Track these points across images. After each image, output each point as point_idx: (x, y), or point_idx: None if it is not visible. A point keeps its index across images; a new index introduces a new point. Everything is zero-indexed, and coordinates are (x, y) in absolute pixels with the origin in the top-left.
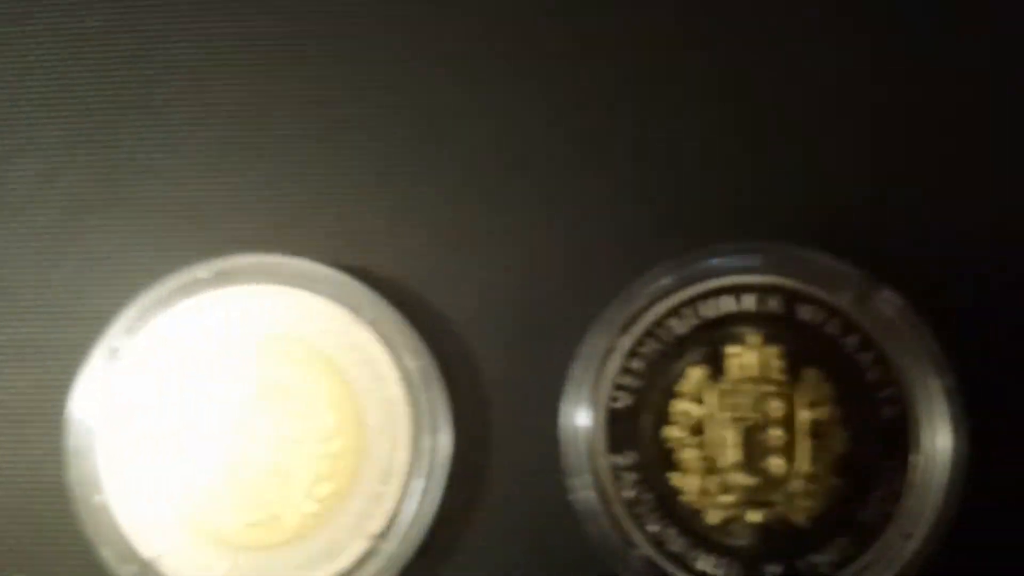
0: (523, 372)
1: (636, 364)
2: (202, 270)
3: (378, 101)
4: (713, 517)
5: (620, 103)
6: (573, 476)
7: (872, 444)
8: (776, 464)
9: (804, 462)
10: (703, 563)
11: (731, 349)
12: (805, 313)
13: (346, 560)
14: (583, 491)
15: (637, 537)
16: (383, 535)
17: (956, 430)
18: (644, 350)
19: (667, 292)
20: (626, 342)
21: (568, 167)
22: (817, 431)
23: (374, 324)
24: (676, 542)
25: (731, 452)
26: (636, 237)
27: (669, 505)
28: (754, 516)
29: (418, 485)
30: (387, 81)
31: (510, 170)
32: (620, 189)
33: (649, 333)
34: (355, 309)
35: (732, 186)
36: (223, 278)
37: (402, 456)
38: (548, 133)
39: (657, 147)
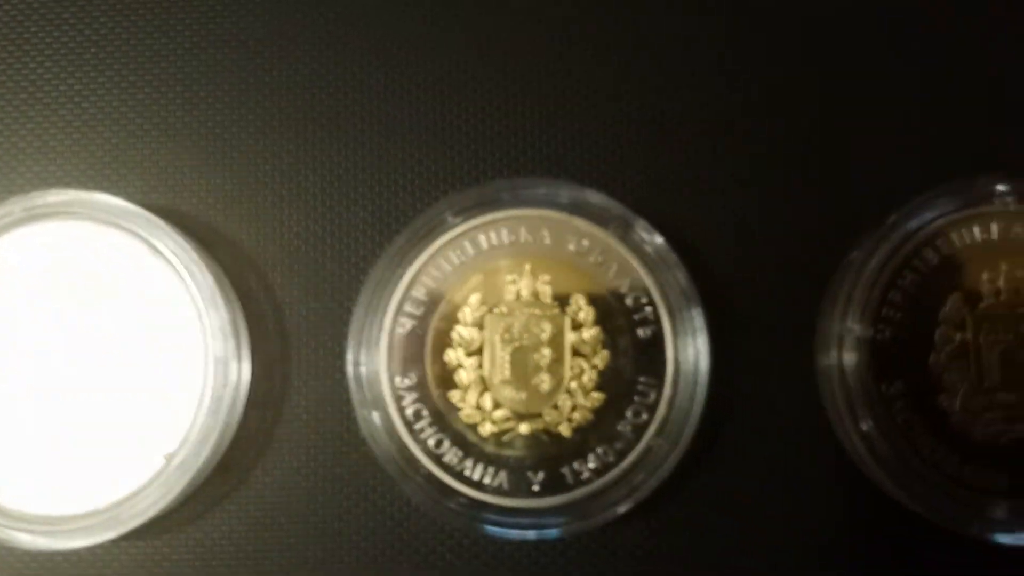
0: (317, 308)
1: (417, 294)
2: (11, 205)
3: (188, 41)
4: (486, 430)
5: None
6: (361, 400)
7: (630, 361)
8: (544, 381)
9: (568, 379)
10: (476, 472)
11: (507, 277)
12: (571, 244)
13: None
14: (369, 411)
15: (417, 452)
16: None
17: (703, 347)
18: (432, 274)
19: (451, 225)
20: (411, 271)
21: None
22: (581, 350)
23: (174, 260)
24: (451, 453)
25: (503, 370)
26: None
27: (447, 420)
28: (524, 428)
29: (214, 407)
30: (196, 20)
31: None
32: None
33: (430, 263)
34: (156, 244)
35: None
36: (31, 214)
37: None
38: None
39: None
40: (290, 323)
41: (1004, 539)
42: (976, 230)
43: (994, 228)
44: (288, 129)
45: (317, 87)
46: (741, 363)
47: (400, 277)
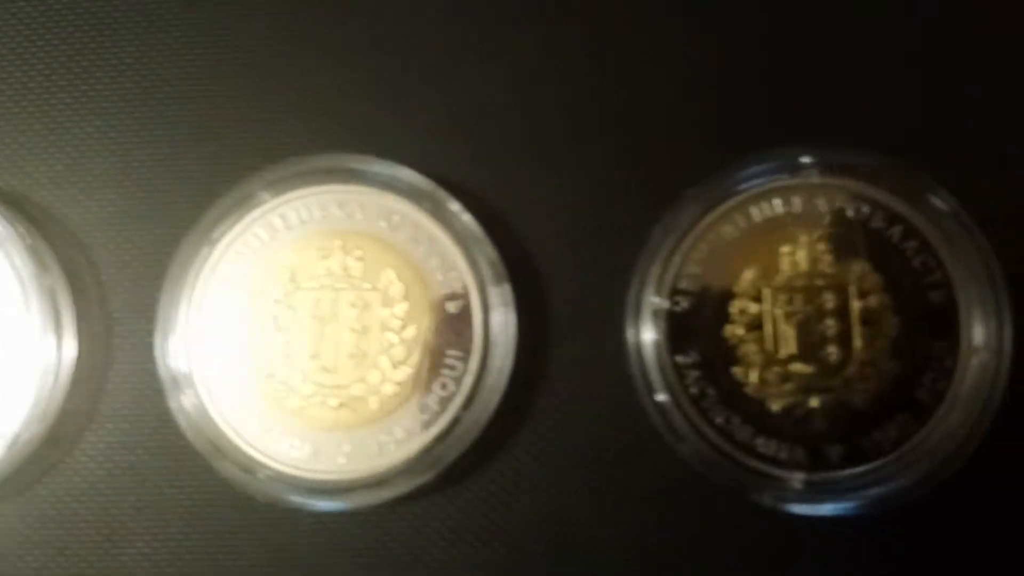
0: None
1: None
2: None
3: (31, 19)
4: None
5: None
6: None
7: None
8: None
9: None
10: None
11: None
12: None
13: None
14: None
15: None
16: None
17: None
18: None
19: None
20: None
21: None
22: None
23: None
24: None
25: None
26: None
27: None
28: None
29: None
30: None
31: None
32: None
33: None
34: None
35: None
36: None
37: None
38: None
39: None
40: (112, 301)
41: (798, 509)
42: (777, 202)
43: (795, 201)
44: (113, 106)
45: (140, 64)
46: (551, 337)
47: (208, 255)
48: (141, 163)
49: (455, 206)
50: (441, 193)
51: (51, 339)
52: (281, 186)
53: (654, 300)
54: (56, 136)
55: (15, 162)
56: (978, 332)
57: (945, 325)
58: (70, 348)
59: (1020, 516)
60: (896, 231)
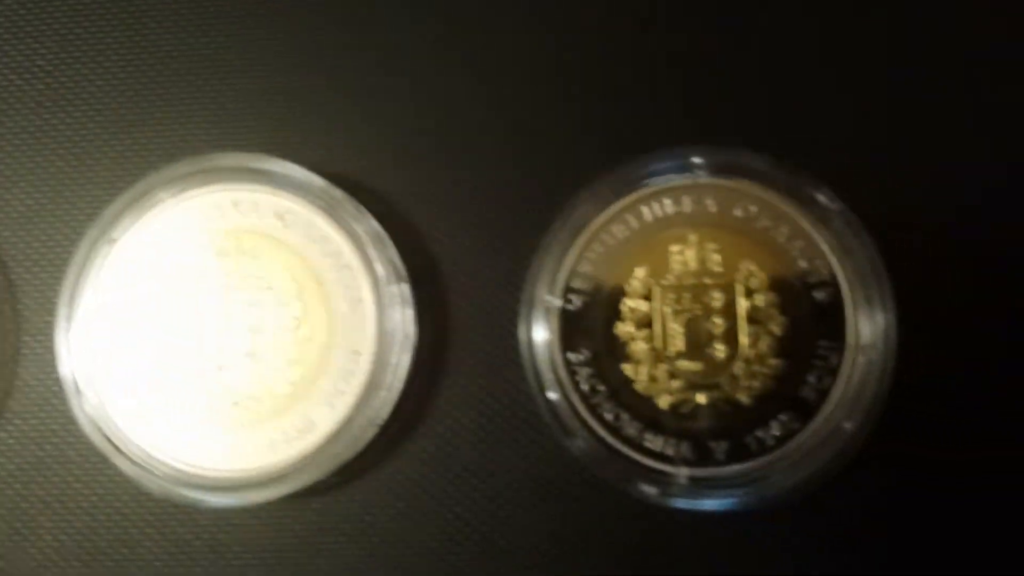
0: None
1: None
2: None
3: None
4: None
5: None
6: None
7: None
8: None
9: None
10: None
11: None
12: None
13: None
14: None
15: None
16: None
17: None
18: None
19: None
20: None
21: None
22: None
23: None
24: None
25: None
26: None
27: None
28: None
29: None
30: None
31: None
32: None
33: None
34: None
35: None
36: None
37: None
38: None
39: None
40: (21, 298)
41: (683, 504)
42: (668, 202)
43: (686, 201)
44: (24, 107)
45: (51, 67)
46: (448, 335)
47: (107, 253)
48: (50, 162)
49: (351, 205)
50: (336, 192)
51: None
52: (179, 185)
53: (547, 298)
54: None
55: None
56: (864, 330)
57: (831, 324)
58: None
59: (902, 513)
60: (783, 231)
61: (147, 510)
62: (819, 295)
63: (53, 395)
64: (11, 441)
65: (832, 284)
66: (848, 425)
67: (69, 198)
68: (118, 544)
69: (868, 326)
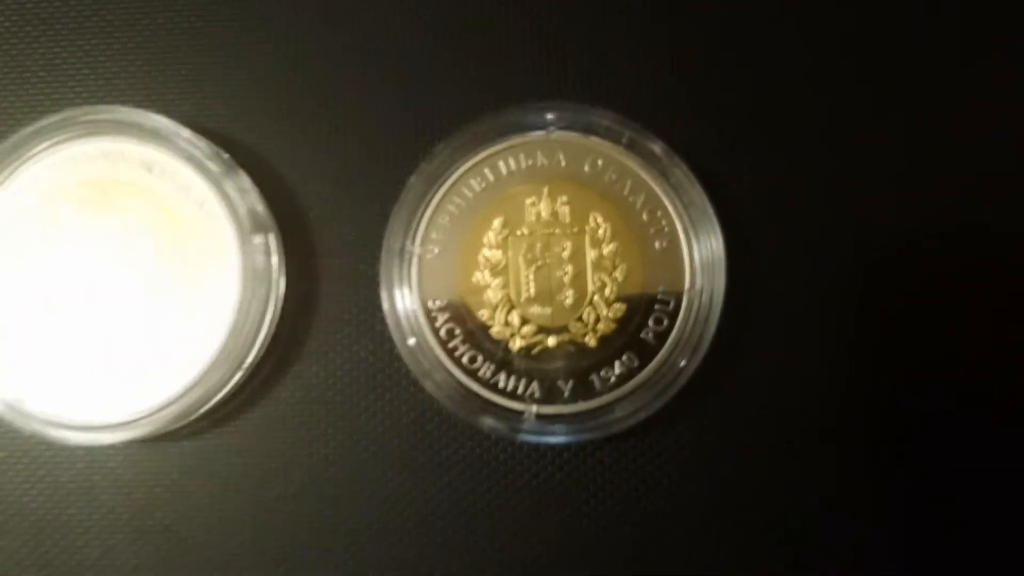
0: None
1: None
2: None
3: None
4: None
5: None
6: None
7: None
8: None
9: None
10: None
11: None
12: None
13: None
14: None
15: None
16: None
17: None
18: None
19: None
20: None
21: None
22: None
23: None
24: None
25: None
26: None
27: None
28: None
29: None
30: None
31: None
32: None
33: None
34: None
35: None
36: None
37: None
38: None
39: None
40: None
41: (530, 438)
42: (523, 157)
43: (539, 156)
44: None
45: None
46: (317, 284)
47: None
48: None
49: (217, 157)
50: (202, 143)
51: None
52: (50, 137)
53: (408, 247)
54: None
55: None
56: (698, 277)
57: (669, 271)
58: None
59: (730, 445)
60: (627, 184)
61: (22, 452)
62: (660, 244)
63: None
64: None
65: (671, 234)
66: (683, 363)
67: None
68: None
69: (701, 274)
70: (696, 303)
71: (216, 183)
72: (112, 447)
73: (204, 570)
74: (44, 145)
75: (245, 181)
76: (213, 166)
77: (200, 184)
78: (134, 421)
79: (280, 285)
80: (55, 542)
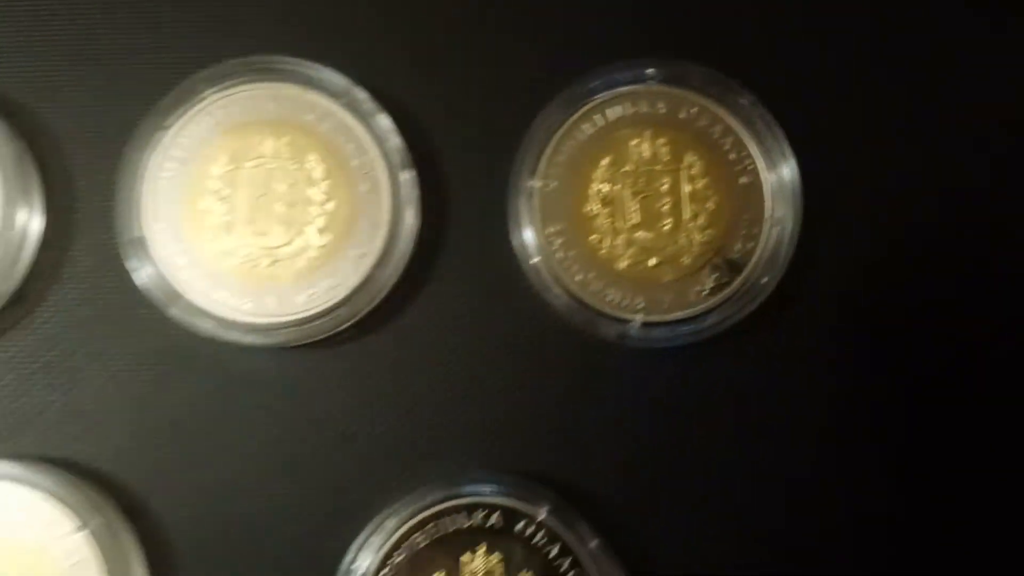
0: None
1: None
2: None
3: None
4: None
5: None
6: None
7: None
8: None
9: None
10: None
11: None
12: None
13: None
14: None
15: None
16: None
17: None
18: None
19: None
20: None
21: None
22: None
23: None
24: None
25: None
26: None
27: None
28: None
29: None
30: None
31: None
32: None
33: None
34: None
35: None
36: None
37: None
38: None
39: None
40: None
41: (638, 344)
42: (628, 105)
43: (642, 104)
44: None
45: None
46: (449, 212)
47: (160, 139)
48: (104, 64)
49: (369, 103)
50: (357, 91)
51: (23, 211)
52: (222, 82)
53: (530, 183)
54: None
55: None
56: (778, 207)
57: (751, 201)
58: (38, 220)
59: (802, 347)
60: (717, 129)
61: (194, 354)
62: (744, 179)
63: (105, 262)
64: (64, 303)
65: (753, 171)
66: (765, 280)
67: (124, 93)
68: (163, 386)
69: (781, 204)
70: (775, 229)
71: (369, 127)
72: (266, 350)
73: (359, 463)
74: (217, 89)
75: (390, 125)
76: (366, 112)
77: (356, 125)
78: (293, 325)
79: (418, 213)
80: (219, 439)
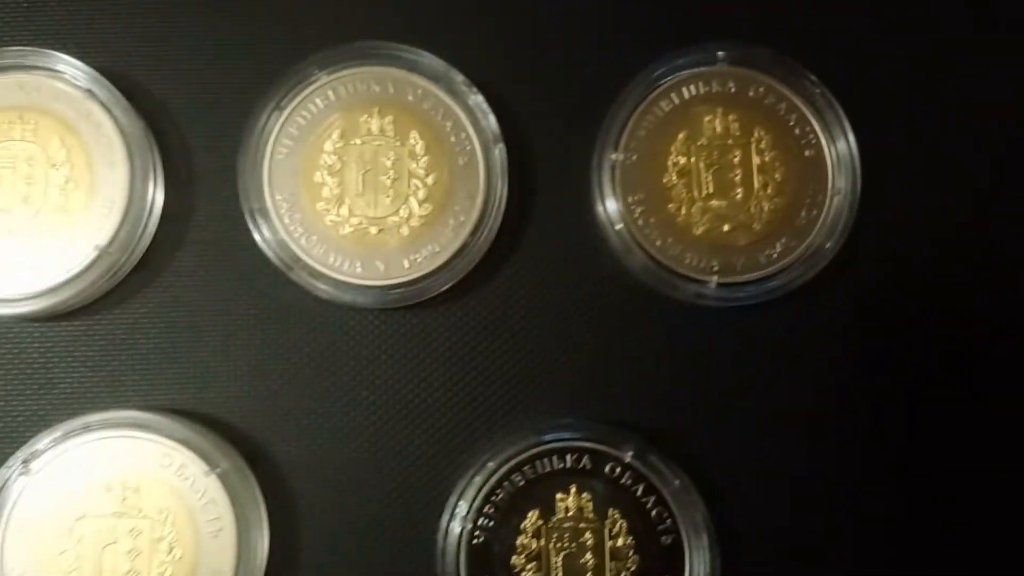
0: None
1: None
2: None
3: None
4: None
5: None
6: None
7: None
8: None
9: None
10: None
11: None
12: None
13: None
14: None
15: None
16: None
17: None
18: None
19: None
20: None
21: None
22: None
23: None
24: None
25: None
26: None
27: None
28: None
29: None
30: None
31: None
32: None
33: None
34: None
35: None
36: None
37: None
38: None
39: None
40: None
41: (713, 303)
42: (700, 84)
43: (713, 83)
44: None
45: None
46: (536, 181)
47: (277, 119)
48: (225, 47)
49: (464, 84)
50: (454, 73)
51: (150, 185)
52: (332, 66)
53: (612, 156)
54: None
55: (108, 46)
56: (838, 180)
57: (815, 173)
58: (161, 192)
59: (862, 306)
60: (783, 106)
61: (313, 315)
62: (808, 152)
63: (226, 231)
64: (187, 269)
65: (816, 145)
66: (828, 245)
67: (244, 76)
68: (284, 350)
69: (841, 177)
70: (836, 198)
71: (464, 105)
72: (375, 310)
73: (461, 411)
74: (325, 72)
75: (483, 103)
76: (462, 92)
77: (453, 104)
78: (399, 287)
79: (510, 185)
80: (332, 391)
